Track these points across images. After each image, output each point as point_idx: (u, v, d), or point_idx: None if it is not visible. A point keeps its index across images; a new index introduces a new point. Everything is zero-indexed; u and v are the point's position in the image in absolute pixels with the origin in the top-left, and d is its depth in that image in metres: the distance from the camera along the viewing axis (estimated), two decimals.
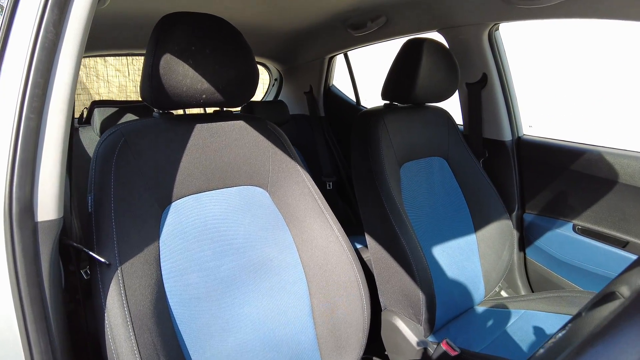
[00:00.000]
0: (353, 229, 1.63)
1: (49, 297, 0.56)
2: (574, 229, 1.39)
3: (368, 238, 1.20)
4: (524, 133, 1.55)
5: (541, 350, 0.44)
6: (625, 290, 0.37)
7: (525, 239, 1.55)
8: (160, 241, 0.78)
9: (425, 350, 1.09)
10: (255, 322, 0.84)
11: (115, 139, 0.79)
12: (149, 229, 0.77)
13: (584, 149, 1.33)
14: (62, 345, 0.59)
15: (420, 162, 1.33)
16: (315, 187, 0.99)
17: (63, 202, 0.60)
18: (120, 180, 0.75)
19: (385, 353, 1.23)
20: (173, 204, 0.82)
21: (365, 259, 1.34)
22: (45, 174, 0.56)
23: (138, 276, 0.71)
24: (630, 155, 1.23)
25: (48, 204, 0.56)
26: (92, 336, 0.80)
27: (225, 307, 0.82)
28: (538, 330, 1.15)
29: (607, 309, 0.36)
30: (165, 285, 0.76)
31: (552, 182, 1.43)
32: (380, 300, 1.23)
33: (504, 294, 1.56)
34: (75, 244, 0.66)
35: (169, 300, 0.75)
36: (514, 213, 1.53)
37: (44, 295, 0.55)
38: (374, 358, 1.17)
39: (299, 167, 0.98)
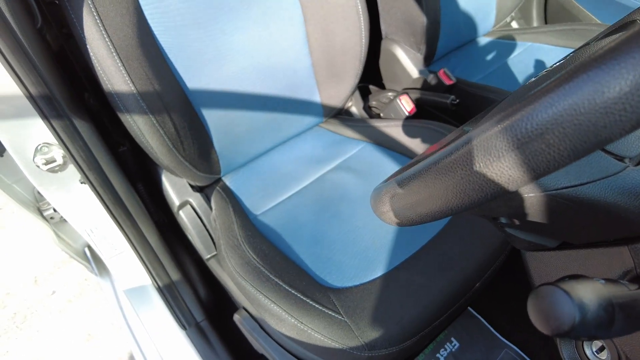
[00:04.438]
0: None
1: (14, 24, 0.51)
2: None
3: None
4: None
5: (532, 79, 0.43)
6: None
7: None
8: None
9: (422, 79, 1.10)
10: (249, 51, 0.81)
11: None
12: None
13: None
14: (52, 76, 0.58)
15: None
16: None
17: None
18: None
19: (382, 82, 1.26)
20: None
21: None
22: None
23: (110, 1, 0.64)
24: None
25: None
26: (82, 68, 0.80)
27: (215, 34, 0.77)
28: (540, 64, 1.13)
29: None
30: (145, 12, 0.69)
31: None
32: (382, 28, 1.16)
33: (514, 25, 1.47)
34: None
35: (153, 29, 0.70)
36: None
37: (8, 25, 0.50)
38: (370, 86, 1.20)
39: None
